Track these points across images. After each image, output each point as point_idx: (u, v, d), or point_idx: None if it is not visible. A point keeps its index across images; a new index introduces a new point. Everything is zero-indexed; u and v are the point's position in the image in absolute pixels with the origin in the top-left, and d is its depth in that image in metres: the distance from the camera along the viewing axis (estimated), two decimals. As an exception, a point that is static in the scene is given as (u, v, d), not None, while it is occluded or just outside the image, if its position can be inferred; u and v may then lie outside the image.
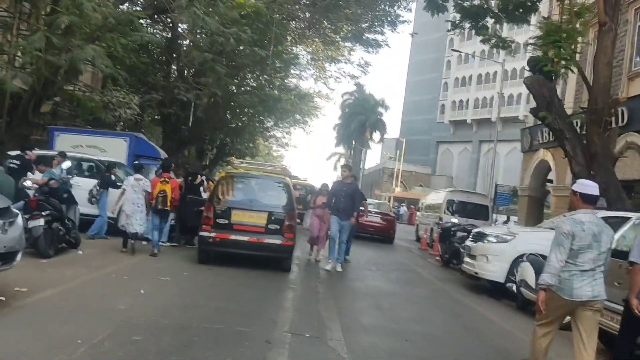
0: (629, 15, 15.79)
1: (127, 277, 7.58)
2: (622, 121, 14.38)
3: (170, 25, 20.81)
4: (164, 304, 6.29)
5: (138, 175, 10.14)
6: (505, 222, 24.92)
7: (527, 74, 12.70)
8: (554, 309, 4.65)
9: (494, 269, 9.74)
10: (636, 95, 14.59)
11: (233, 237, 9.20)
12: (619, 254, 6.03)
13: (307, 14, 23.27)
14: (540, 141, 20.29)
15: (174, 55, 21.02)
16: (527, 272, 8.48)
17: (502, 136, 40.56)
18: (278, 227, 9.32)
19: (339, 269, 10.53)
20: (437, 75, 71.10)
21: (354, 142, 62.80)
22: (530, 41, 12.56)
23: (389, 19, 23.34)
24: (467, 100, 65.33)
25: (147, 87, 19.46)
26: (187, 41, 20.86)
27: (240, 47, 19.11)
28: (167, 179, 10.09)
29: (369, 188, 64.07)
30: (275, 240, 9.23)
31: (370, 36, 24.57)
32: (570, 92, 19.31)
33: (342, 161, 61.74)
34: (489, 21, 14.67)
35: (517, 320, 7.93)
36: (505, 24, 16.28)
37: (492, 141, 30.53)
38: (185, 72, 21.39)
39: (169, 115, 20.79)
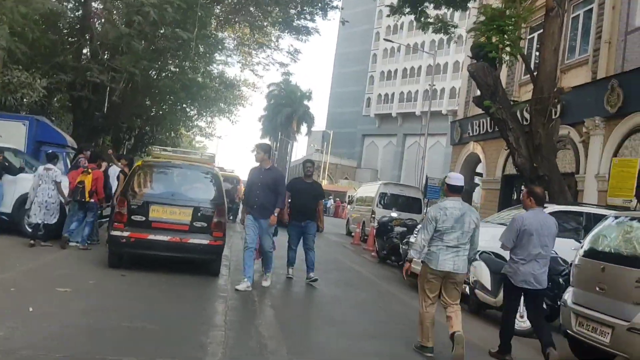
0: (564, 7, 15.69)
1: (14, 289, 6.09)
2: (556, 114, 14.24)
3: (83, 1, 18.81)
4: (60, 326, 4.93)
5: (48, 165, 9.59)
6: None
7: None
8: (428, 280, 5.45)
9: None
10: (570, 88, 14.49)
11: (151, 236, 7.87)
12: (599, 255, 5.38)
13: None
14: (471, 134, 20.13)
15: (87, 35, 19.00)
16: (481, 272, 7.80)
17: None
18: (205, 224, 8.07)
19: (264, 282, 8.20)
20: (364, 67, 71.33)
21: (280, 134, 61.73)
22: (472, 27, 12.05)
23: (319, 4, 22.50)
24: (393, 94, 66.00)
25: (54, 68, 17.39)
26: (102, 20, 18.98)
27: (162, 31, 17.56)
28: (89, 170, 9.66)
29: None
30: (202, 240, 8.00)
31: (301, 23, 23.65)
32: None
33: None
34: (429, 7, 14.06)
35: (474, 325, 7.17)
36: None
37: (417, 135, 30.43)
38: (100, 53, 19.43)
39: (80, 100, 18.76)
